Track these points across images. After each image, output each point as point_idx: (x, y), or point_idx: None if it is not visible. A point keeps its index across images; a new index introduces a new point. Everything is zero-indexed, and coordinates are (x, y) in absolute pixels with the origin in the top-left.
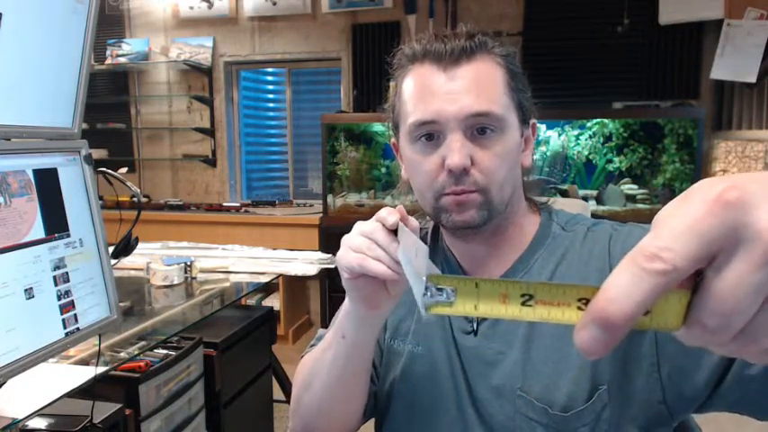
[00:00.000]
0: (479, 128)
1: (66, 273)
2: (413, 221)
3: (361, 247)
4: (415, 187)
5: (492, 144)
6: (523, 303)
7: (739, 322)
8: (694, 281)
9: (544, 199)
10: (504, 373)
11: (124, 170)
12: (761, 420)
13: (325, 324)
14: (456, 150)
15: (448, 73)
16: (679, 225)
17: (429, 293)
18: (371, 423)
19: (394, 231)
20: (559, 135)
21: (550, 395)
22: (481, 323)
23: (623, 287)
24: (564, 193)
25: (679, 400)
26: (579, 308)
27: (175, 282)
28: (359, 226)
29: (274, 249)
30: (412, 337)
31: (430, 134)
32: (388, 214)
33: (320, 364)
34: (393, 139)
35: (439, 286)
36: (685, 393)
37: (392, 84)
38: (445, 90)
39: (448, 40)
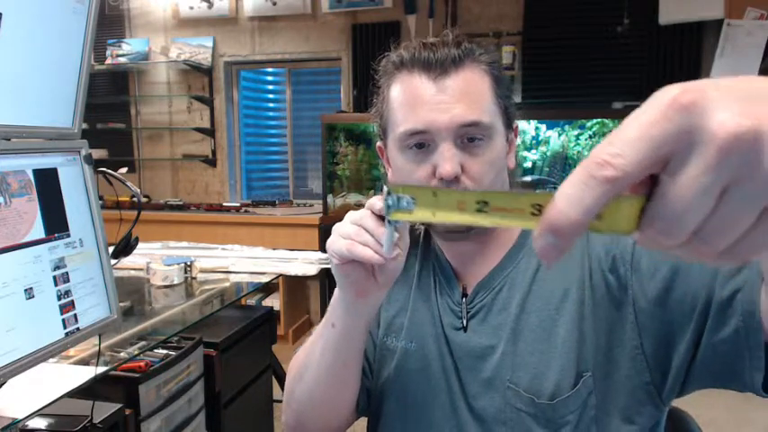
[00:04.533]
0: (469, 137)
1: (66, 273)
2: None
3: (349, 234)
4: None
5: (481, 152)
6: (478, 210)
7: (691, 223)
8: (650, 187)
9: None
10: (493, 365)
11: (124, 170)
12: (741, 391)
13: None
14: (448, 159)
15: (437, 82)
16: (632, 131)
17: (390, 201)
18: (362, 422)
19: (383, 218)
20: (559, 135)
21: (539, 385)
22: (471, 319)
23: (573, 196)
24: None
25: (665, 375)
26: (533, 213)
27: (175, 282)
28: (350, 214)
29: (274, 249)
30: (405, 333)
31: (421, 143)
32: (378, 200)
33: (311, 355)
34: (379, 143)
35: (399, 195)
36: (672, 364)
37: (379, 89)
38: (436, 100)
39: (436, 48)
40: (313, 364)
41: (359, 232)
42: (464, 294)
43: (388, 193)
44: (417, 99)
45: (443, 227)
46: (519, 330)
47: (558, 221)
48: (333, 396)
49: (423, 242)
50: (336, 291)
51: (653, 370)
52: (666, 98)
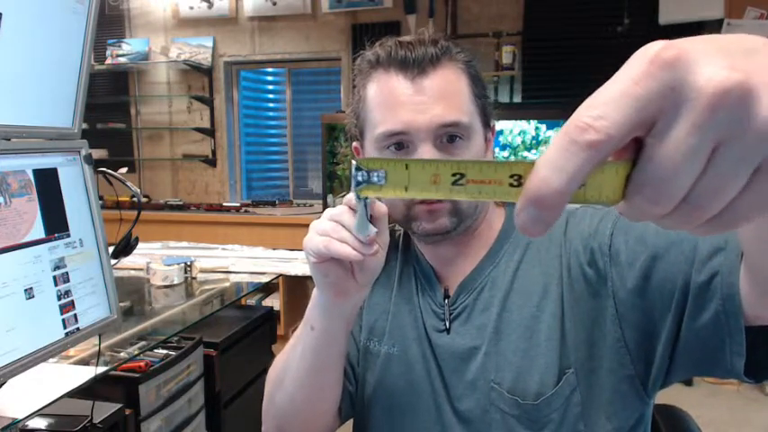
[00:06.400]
0: (448, 136)
1: (66, 273)
2: (381, 206)
3: (326, 230)
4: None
5: (461, 152)
6: (454, 183)
7: (681, 188)
8: (634, 152)
9: None
10: (477, 366)
11: (124, 170)
12: (724, 378)
13: None
14: None
15: (415, 82)
16: (614, 91)
17: (360, 176)
18: (345, 428)
19: None
20: None
21: (523, 384)
22: (453, 321)
23: (555, 164)
24: None
25: (649, 366)
26: (511, 184)
27: (175, 282)
28: (327, 211)
29: (274, 249)
30: (387, 337)
31: (399, 144)
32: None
33: (291, 360)
34: (355, 144)
35: (369, 169)
36: (655, 354)
37: (355, 88)
38: (414, 101)
39: (412, 47)
40: (293, 368)
41: (336, 228)
42: (446, 296)
43: (357, 168)
44: (395, 99)
45: (424, 231)
46: (501, 329)
47: (541, 192)
48: (315, 400)
49: (402, 245)
50: (314, 292)
51: (636, 362)
52: (649, 54)
